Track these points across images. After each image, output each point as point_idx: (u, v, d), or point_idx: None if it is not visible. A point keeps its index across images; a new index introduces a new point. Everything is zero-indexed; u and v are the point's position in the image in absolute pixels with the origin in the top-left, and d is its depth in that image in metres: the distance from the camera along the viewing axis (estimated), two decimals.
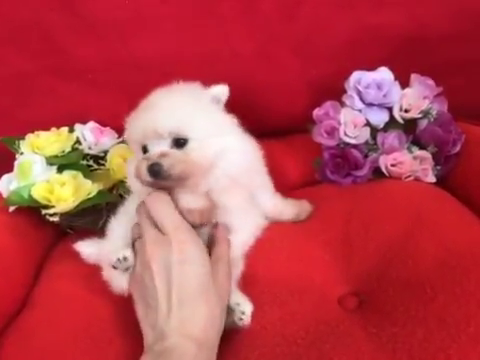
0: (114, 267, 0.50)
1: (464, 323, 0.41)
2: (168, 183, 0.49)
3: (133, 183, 0.54)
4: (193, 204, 0.49)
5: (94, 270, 0.56)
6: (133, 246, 0.50)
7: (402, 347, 0.42)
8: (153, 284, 0.44)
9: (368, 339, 0.44)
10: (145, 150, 0.51)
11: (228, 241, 0.52)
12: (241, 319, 0.47)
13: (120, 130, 0.75)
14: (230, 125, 0.54)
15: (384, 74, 0.70)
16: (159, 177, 0.48)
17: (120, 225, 0.55)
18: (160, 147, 0.49)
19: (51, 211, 0.61)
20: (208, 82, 0.54)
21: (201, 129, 0.51)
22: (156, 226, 0.48)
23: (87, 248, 0.57)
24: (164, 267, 0.45)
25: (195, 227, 0.49)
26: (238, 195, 0.54)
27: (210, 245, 0.51)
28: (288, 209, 0.63)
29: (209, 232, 0.52)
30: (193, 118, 0.51)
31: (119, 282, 0.52)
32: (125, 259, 0.49)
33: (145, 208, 0.49)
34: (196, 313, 0.43)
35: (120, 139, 0.74)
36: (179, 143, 0.50)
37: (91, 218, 0.67)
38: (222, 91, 0.54)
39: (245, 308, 0.48)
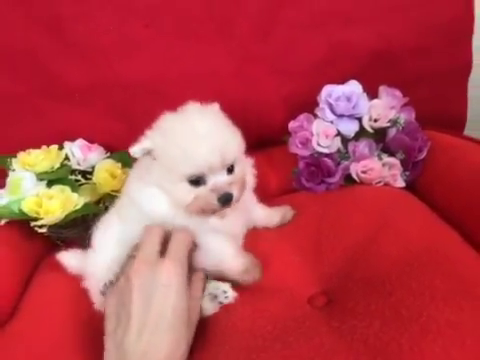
0: (102, 293, 0.50)
1: (417, 314, 0.44)
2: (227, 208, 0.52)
3: (155, 213, 0.53)
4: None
5: (80, 281, 0.58)
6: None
7: (359, 338, 0.44)
8: (130, 299, 0.44)
9: (330, 332, 0.47)
10: (197, 180, 0.50)
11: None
12: (226, 297, 0.52)
13: (107, 146, 0.80)
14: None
15: (353, 87, 0.74)
16: (229, 204, 0.50)
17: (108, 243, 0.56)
18: (219, 176, 0.50)
19: (39, 223, 0.64)
20: (191, 100, 0.57)
21: (240, 153, 0.54)
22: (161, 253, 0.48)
23: (70, 259, 0.60)
24: (146, 286, 0.45)
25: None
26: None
27: None
28: (275, 215, 0.67)
29: None
30: (238, 144, 0.53)
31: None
32: (112, 283, 0.50)
33: (160, 234, 0.50)
34: (164, 340, 0.43)
35: (107, 154, 0.78)
36: (230, 169, 0.52)
37: (79, 229, 0.70)
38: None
39: (224, 287, 0.52)
